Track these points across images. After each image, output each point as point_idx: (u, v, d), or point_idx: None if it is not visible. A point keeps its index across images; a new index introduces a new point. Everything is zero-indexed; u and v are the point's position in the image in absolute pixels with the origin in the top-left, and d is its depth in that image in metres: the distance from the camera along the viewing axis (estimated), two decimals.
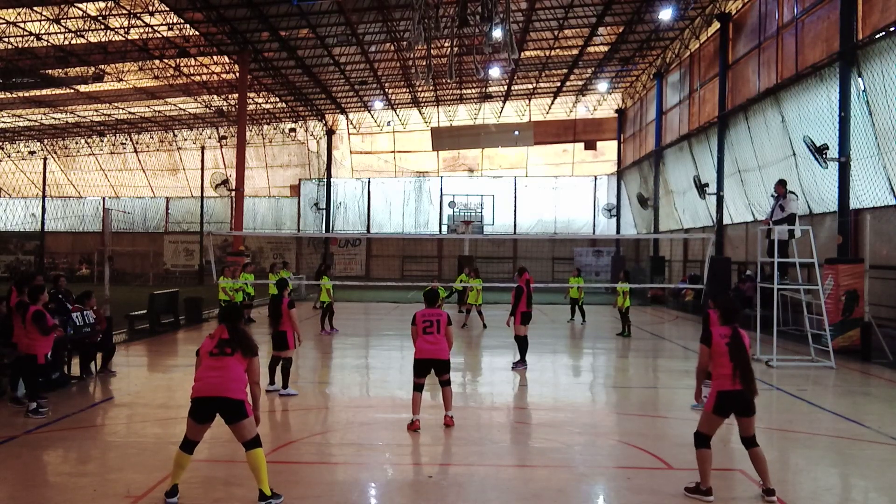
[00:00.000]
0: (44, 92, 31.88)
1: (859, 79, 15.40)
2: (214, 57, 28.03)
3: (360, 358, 14.08)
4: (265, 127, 41.03)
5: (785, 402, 9.69)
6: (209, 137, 41.66)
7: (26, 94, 32.16)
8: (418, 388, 7.74)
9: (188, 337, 16.43)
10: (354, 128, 41.69)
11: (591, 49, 29.49)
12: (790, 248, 13.08)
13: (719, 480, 6.19)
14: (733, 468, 6.42)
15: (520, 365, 11.83)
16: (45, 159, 30.98)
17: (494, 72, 29.79)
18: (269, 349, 10.27)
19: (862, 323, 13.52)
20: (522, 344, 11.86)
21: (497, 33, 16.47)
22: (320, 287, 17.60)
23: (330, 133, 40.07)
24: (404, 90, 35.70)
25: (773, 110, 19.75)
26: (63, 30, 24.14)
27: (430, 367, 7.73)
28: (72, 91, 31.48)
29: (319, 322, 17.27)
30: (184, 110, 37.20)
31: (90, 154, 44.26)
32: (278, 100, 35.64)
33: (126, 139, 43.10)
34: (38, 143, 44.17)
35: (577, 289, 19.77)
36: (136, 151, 43.86)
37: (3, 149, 44.69)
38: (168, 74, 29.23)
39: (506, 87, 35.43)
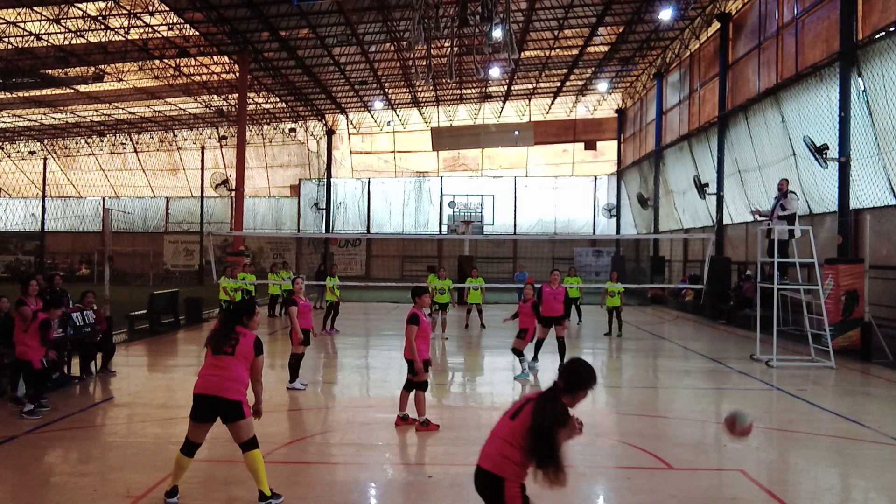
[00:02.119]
0: (44, 92, 31.89)
1: (859, 79, 15.40)
2: (214, 57, 28.03)
3: (360, 358, 14.07)
4: (265, 127, 41.04)
5: (785, 402, 9.69)
6: (209, 137, 41.66)
7: (26, 94, 32.16)
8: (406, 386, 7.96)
9: (188, 337, 16.43)
10: (354, 128, 41.70)
11: (591, 49, 29.48)
12: (790, 248, 13.08)
13: (719, 480, 6.20)
14: (733, 468, 6.42)
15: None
16: (45, 159, 30.93)
17: (494, 72, 29.79)
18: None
19: (862, 323, 13.52)
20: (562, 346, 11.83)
21: (497, 33, 16.47)
22: (324, 287, 17.61)
23: (330, 133, 40.08)
24: (404, 90, 35.70)
25: (773, 110, 19.75)
26: (63, 30, 24.13)
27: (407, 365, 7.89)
28: (72, 91, 31.48)
29: (322, 321, 17.25)
30: (184, 110, 37.20)
31: (90, 154, 44.28)
32: (278, 100, 35.64)
33: (126, 139, 43.12)
34: (38, 143, 44.18)
35: (577, 288, 19.77)
36: (136, 151, 43.88)
37: (3, 149, 44.69)
38: (168, 74, 29.23)
39: (506, 87, 35.43)
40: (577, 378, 3.58)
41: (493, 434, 3.71)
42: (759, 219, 13.20)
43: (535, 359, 11.88)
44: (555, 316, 11.67)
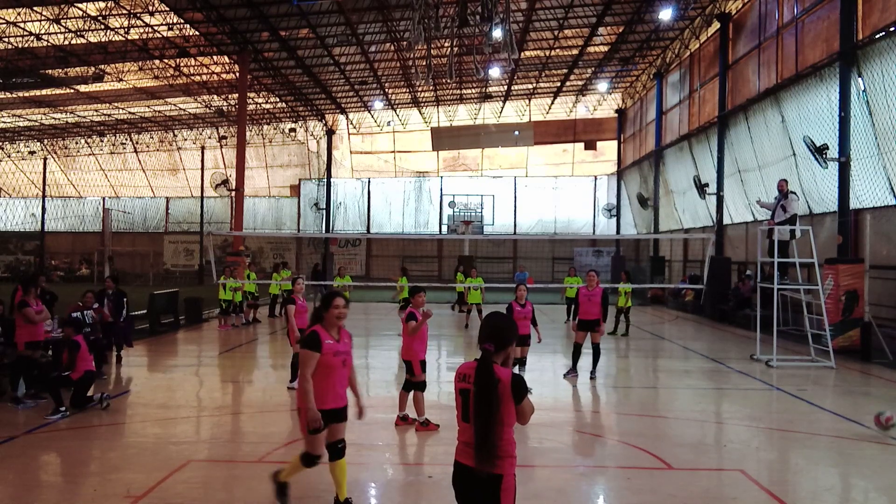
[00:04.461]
0: (44, 92, 31.91)
1: (859, 79, 15.40)
2: (214, 57, 28.04)
3: (361, 358, 14.07)
4: (265, 127, 41.04)
5: (785, 402, 9.69)
6: (209, 137, 41.67)
7: (26, 94, 32.18)
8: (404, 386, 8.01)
9: (188, 337, 16.43)
10: (354, 128, 41.70)
11: (591, 49, 29.49)
12: (790, 248, 13.08)
13: (719, 480, 6.20)
14: (733, 468, 6.42)
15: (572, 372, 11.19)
16: (45, 159, 31.01)
17: (494, 72, 29.78)
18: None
19: (862, 323, 13.52)
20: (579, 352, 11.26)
21: (497, 33, 16.46)
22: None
23: (330, 133, 40.08)
24: (404, 90, 35.70)
25: (773, 110, 19.75)
26: (63, 30, 24.14)
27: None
28: (72, 91, 31.49)
29: None
30: (184, 110, 37.21)
31: (90, 154, 44.30)
32: (278, 100, 35.64)
33: (126, 139, 43.13)
34: (38, 143, 44.18)
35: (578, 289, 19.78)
36: (136, 151, 43.90)
37: (3, 149, 44.71)
38: (168, 74, 29.25)
39: (506, 87, 35.43)
40: (503, 334, 3.48)
41: (466, 442, 3.48)
42: (761, 208, 13.08)
43: (574, 369, 11.22)
44: (592, 319, 10.96)
